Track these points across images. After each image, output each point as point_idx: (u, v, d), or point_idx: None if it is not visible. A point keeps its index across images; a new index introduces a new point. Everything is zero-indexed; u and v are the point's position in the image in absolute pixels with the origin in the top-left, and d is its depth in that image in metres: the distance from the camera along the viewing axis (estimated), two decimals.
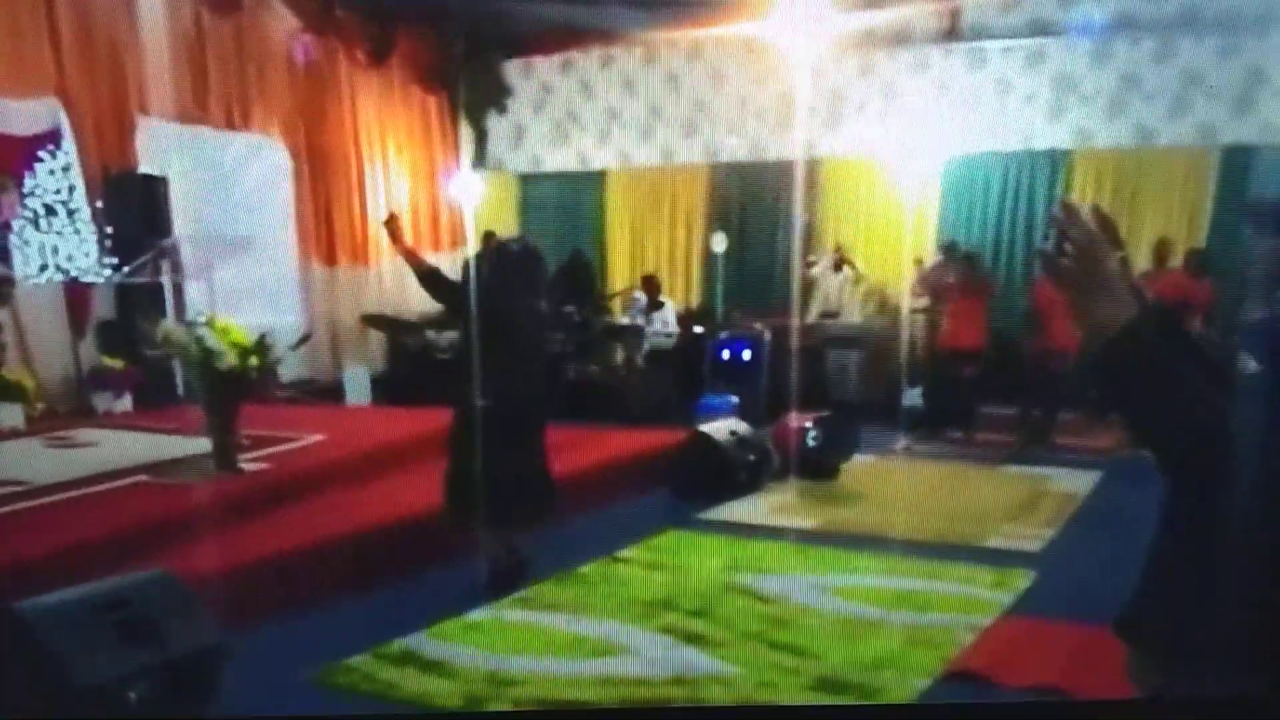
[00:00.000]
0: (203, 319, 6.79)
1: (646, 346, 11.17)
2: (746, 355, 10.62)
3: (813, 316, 11.47)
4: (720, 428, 8.18)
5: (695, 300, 12.82)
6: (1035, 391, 9.69)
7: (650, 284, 11.84)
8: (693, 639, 5.19)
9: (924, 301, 10.78)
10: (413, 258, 6.16)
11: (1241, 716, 1.84)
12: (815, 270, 11.70)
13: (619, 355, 11.23)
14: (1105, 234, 2.25)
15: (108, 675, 3.84)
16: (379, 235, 12.69)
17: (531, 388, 5.88)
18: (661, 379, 10.69)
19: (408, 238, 6.17)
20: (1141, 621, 2.01)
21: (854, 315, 11.78)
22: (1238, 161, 10.89)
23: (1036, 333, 9.55)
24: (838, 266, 11.80)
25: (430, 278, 5.98)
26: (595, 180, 13.64)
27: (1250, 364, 1.91)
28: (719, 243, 12.16)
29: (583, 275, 11.81)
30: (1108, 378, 1.84)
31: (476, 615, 5.47)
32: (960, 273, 10.29)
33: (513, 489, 5.63)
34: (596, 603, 5.76)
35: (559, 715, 4.36)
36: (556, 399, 6.53)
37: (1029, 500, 7.90)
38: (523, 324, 5.82)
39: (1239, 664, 1.80)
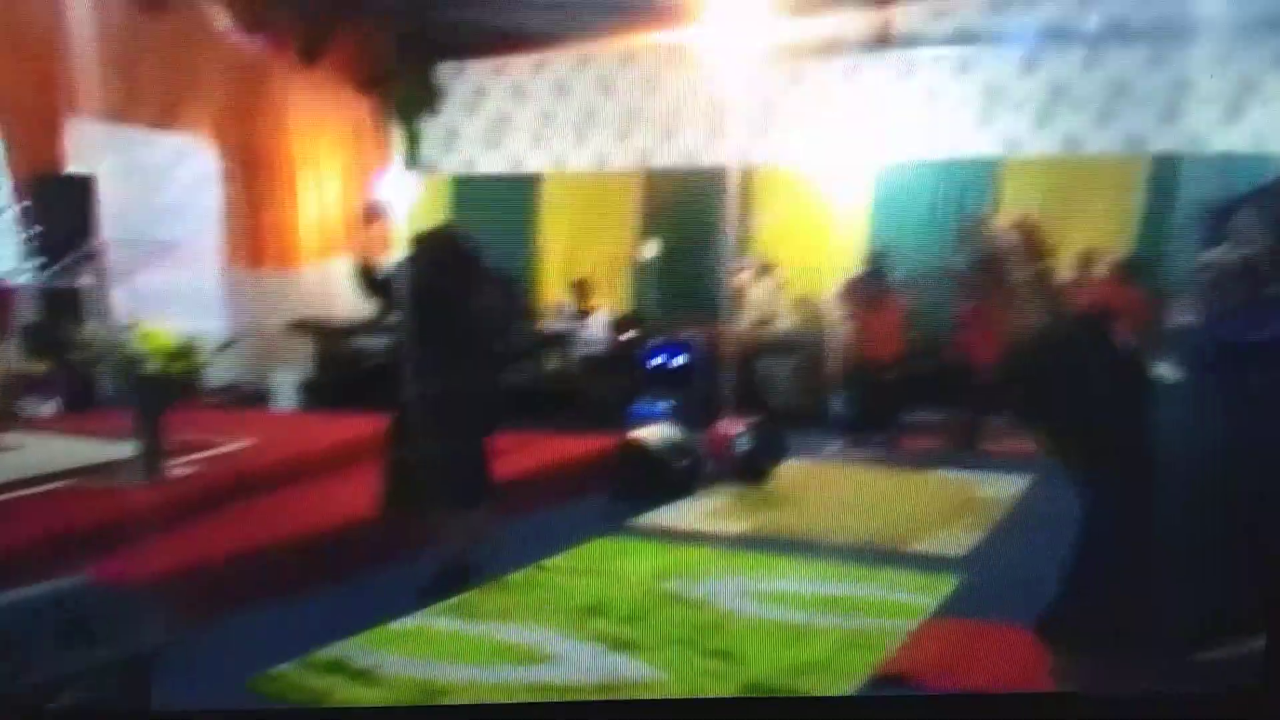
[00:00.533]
0: (129, 323, 6.72)
1: (578, 352, 11.16)
2: (679, 361, 10.64)
3: (744, 324, 11.49)
4: (652, 433, 8.21)
5: (628, 306, 12.81)
6: (959, 397, 9.79)
7: (581, 289, 11.83)
8: (622, 645, 5.19)
9: (851, 309, 10.85)
10: (364, 253, 6.14)
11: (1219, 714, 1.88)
12: (740, 277, 11.72)
13: (549, 361, 11.22)
14: (1030, 244, 2.30)
15: (36, 680, 3.78)
16: (309, 238, 12.63)
17: (478, 383, 5.87)
18: (593, 384, 10.69)
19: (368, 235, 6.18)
20: (1063, 622, 2.05)
21: (784, 322, 11.85)
22: (1166, 170, 11.05)
23: (959, 340, 9.67)
24: (761, 273, 11.82)
25: (368, 273, 5.97)
26: (528, 184, 13.60)
27: (1178, 370, 1.96)
28: (651, 249, 12.18)
29: (513, 279, 11.77)
30: (1018, 386, 1.88)
31: (405, 623, 5.45)
32: (881, 281, 10.38)
33: (456, 488, 5.63)
34: (526, 610, 5.74)
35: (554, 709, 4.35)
36: (504, 398, 6.50)
37: (956, 505, 7.97)
38: (465, 315, 5.81)
39: (1157, 660, 1.85)
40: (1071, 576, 2.05)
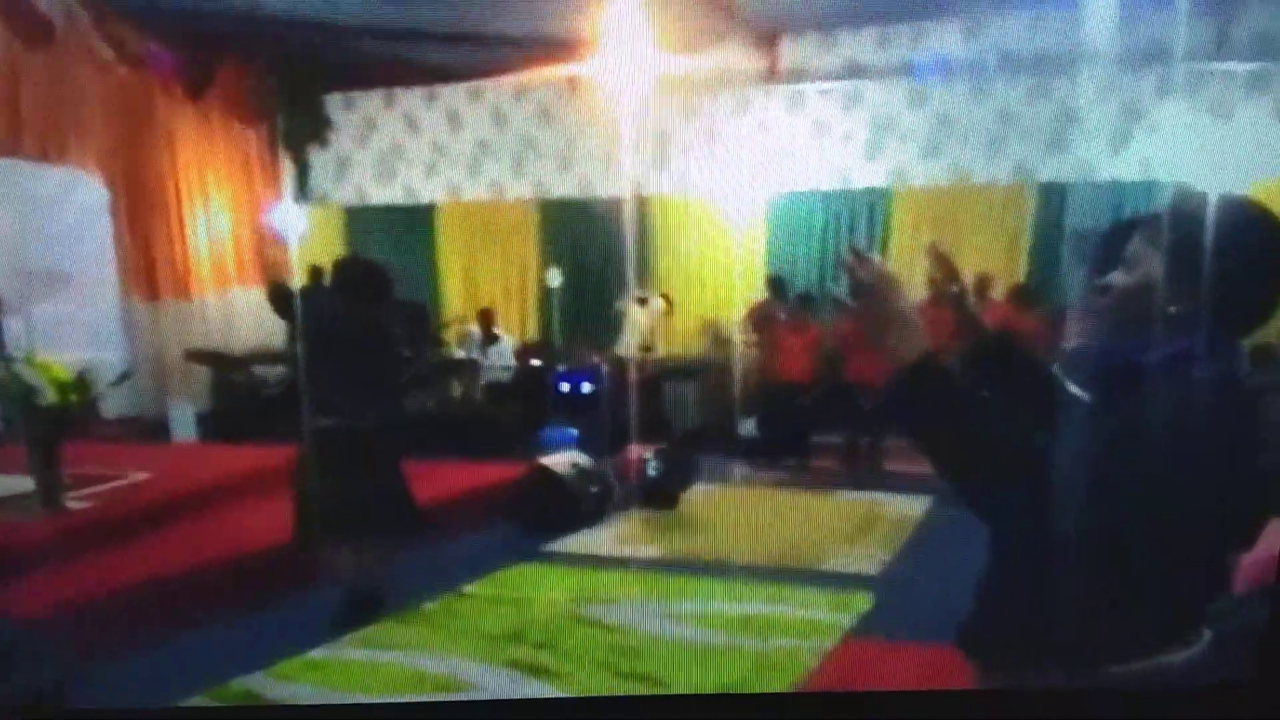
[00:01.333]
0: (20, 355, 6.56)
1: (483, 380, 11.11)
2: (586, 388, 10.64)
3: (630, 351, 11.50)
4: (561, 460, 8.17)
5: (531, 334, 12.80)
6: (854, 421, 9.93)
7: (486, 317, 11.79)
8: (539, 671, 5.16)
9: (753, 336, 10.96)
10: (275, 274, 6.05)
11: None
12: (620, 305, 11.75)
13: (456, 389, 11.15)
14: (942, 269, 2.37)
15: None
16: (201, 269, 12.42)
17: (387, 406, 5.81)
18: (500, 412, 10.64)
19: (241, 271, 6.08)
20: (983, 634, 2.09)
21: (668, 348, 11.97)
22: (1054, 197, 11.35)
23: (847, 365, 9.83)
24: (644, 301, 11.86)
25: (282, 294, 5.89)
26: (424, 214, 13.53)
27: (1073, 389, 2.01)
28: (554, 277, 12.19)
29: (415, 309, 11.70)
30: (904, 412, 1.94)
31: (317, 654, 5.35)
32: (785, 307, 10.51)
33: (372, 513, 5.55)
34: (440, 639, 5.68)
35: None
36: (410, 421, 6.45)
37: (863, 524, 8.06)
38: (373, 336, 5.75)
39: (1081, 659, 1.89)
40: (984, 590, 2.10)
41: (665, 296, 11.89)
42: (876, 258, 1.93)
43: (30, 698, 3.93)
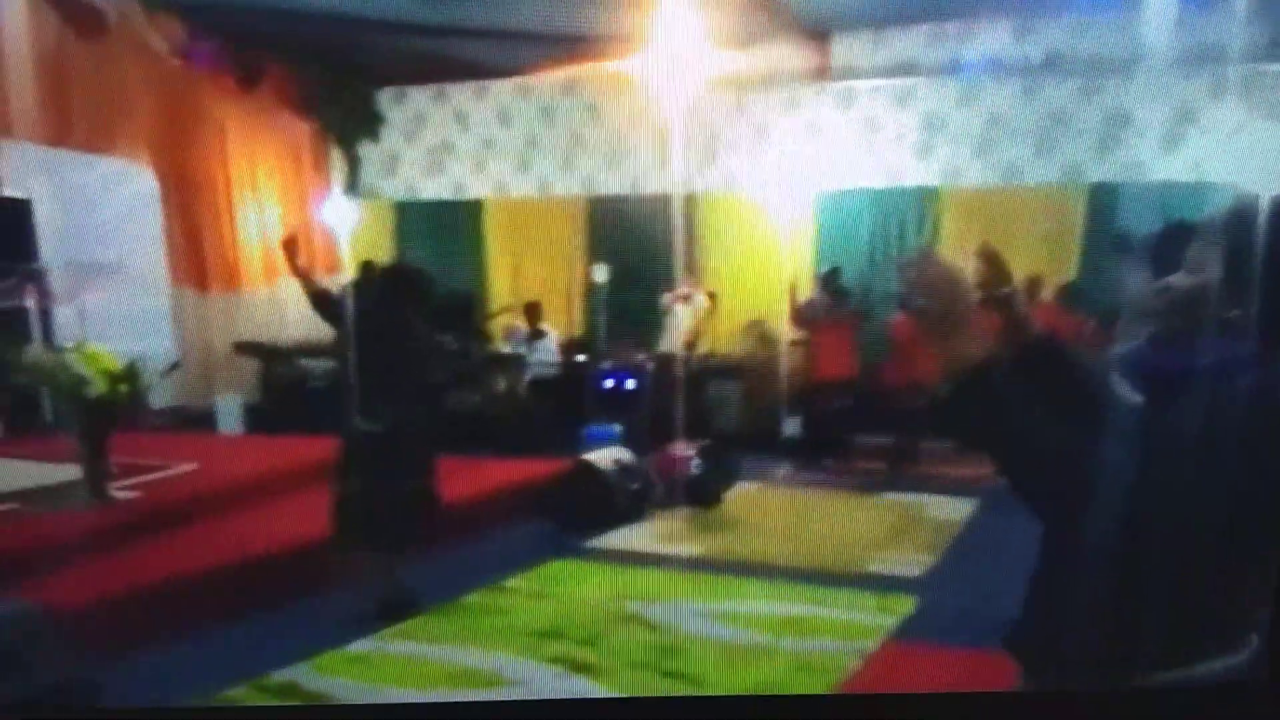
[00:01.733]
0: (71, 345, 6.61)
1: (528, 375, 11.11)
2: (629, 384, 10.63)
3: (673, 347, 11.44)
4: (604, 456, 8.16)
5: (577, 330, 12.80)
6: (899, 422, 9.87)
7: (532, 312, 11.79)
8: (581, 668, 5.15)
9: (799, 333, 10.90)
10: (307, 278, 6.03)
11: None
12: (665, 301, 11.72)
13: (500, 384, 11.15)
14: (993, 271, 2.32)
15: None
16: (250, 261, 12.51)
17: (423, 410, 5.82)
18: (544, 408, 10.64)
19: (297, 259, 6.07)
20: (1032, 636, 2.06)
21: (712, 346, 11.95)
22: (1104, 198, 11.24)
23: (895, 365, 9.78)
24: (688, 298, 11.82)
25: (322, 298, 5.88)
26: (472, 209, 13.57)
27: (1125, 393, 1.98)
28: (600, 273, 12.17)
29: (460, 303, 11.72)
30: (962, 414, 1.90)
31: (359, 647, 5.36)
32: (831, 304, 10.44)
33: (402, 515, 5.56)
34: (483, 634, 5.68)
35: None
36: (444, 424, 6.46)
37: (906, 527, 8.01)
38: (413, 344, 5.76)
39: (1132, 662, 1.86)
40: (1035, 593, 2.07)
41: (710, 294, 11.85)
42: (941, 256, 1.90)
43: (65, 689, 3.95)
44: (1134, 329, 2.15)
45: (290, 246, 6.07)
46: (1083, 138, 11.28)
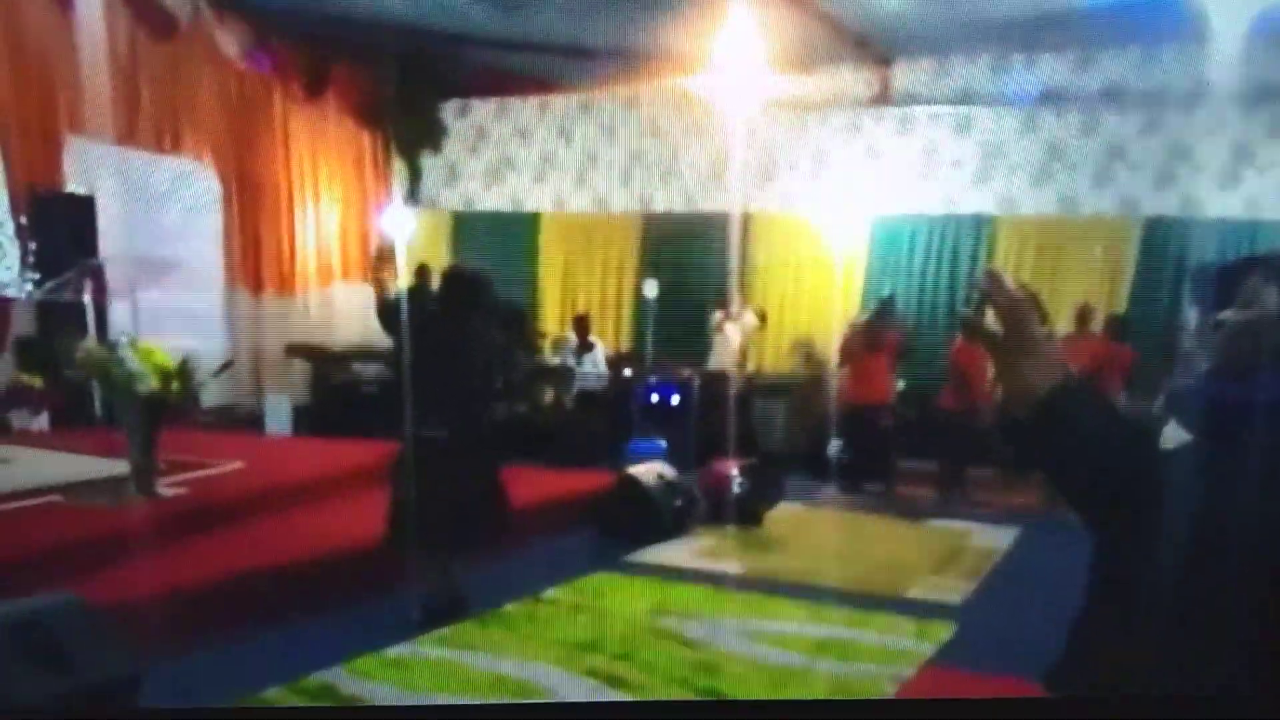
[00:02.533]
0: (125, 340, 6.67)
1: (576, 388, 11.13)
2: (675, 400, 10.64)
3: (720, 365, 11.40)
4: (648, 471, 8.17)
5: (624, 344, 12.83)
6: (949, 447, 9.82)
7: (581, 325, 11.83)
8: (616, 682, 5.14)
9: (849, 355, 10.86)
10: (383, 288, 6.07)
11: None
12: (714, 319, 11.70)
13: (548, 395, 11.17)
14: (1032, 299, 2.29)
15: (12, 700, 3.71)
16: (307, 264, 12.63)
17: (485, 415, 5.86)
18: (590, 421, 10.66)
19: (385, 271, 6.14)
20: (1074, 677, 2.03)
21: (760, 364, 11.95)
22: (1158, 232, 11.14)
23: (951, 390, 9.74)
24: (737, 316, 11.79)
25: (392, 309, 5.91)
26: (529, 222, 13.66)
27: (1176, 427, 1.96)
28: (651, 288, 12.19)
29: (513, 314, 11.77)
30: (1030, 440, 1.88)
31: (396, 651, 5.38)
32: (883, 329, 10.41)
33: (463, 519, 5.59)
34: (519, 643, 5.69)
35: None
36: (504, 427, 6.48)
37: (949, 554, 7.95)
38: (474, 348, 5.79)
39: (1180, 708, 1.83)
40: (1078, 634, 2.03)
41: (760, 313, 11.83)
42: (1012, 281, 1.88)
43: (108, 686, 3.98)
44: (1191, 364, 2.13)
45: (384, 256, 6.12)
46: (1140, 171, 11.20)
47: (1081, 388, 1.84)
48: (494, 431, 6.00)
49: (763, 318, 11.79)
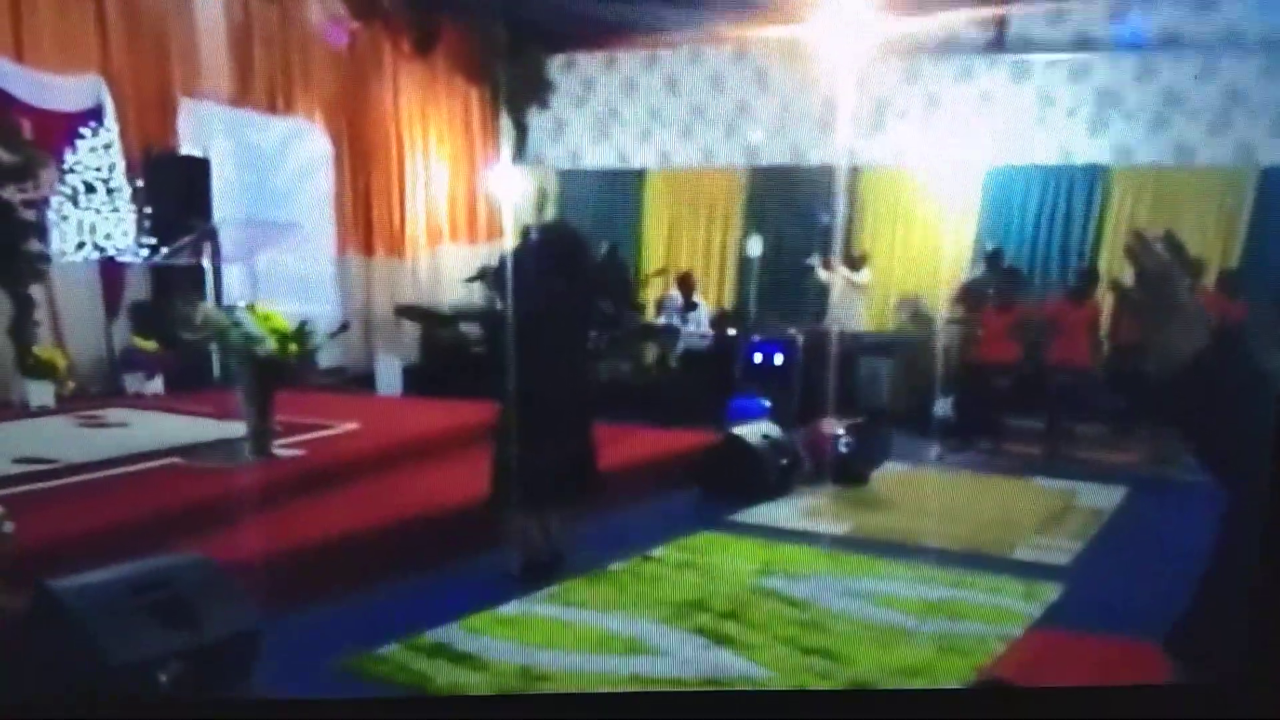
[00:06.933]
0: (244, 304, 6.81)
1: (680, 346, 11.15)
2: (779, 359, 10.60)
3: (826, 323, 11.32)
4: (752, 430, 8.17)
5: (729, 302, 12.80)
6: (1056, 405, 9.67)
7: (685, 283, 11.82)
8: (724, 640, 5.18)
9: (960, 312, 10.73)
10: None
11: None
12: (820, 276, 11.59)
13: (652, 354, 11.21)
14: (1177, 260, 2.24)
15: (140, 656, 3.85)
16: (416, 225, 12.74)
17: (579, 374, 5.92)
18: (694, 379, 10.69)
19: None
20: (1198, 638, 2.01)
21: (867, 322, 11.87)
22: (1275, 182, 10.82)
23: (1056, 347, 9.59)
24: (845, 271, 11.68)
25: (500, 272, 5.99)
26: (634, 178, 13.65)
27: None
28: (754, 246, 12.14)
29: (619, 272, 11.81)
30: (1183, 401, 1.85)
31: (509, 609, 5.47)
32: (1000, 284, 10.26)
33: (558, 476, 5.67)
34: (628, 601, 5.75)
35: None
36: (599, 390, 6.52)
37: (1056, 513, 7.85)
38: (570, 307, 5.85)
39: None
40: (1204, 592, 2.00)
41: (867, 269, 11.73)
42: (1164, 241, 1.85)
43: (229, 642, 4.10)
44: None
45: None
46: (1258, 118, 10.87)
47: (1228, 347, 1.81)
48: (589, 389, 6.03)
49: (870, 274, 11.69)
